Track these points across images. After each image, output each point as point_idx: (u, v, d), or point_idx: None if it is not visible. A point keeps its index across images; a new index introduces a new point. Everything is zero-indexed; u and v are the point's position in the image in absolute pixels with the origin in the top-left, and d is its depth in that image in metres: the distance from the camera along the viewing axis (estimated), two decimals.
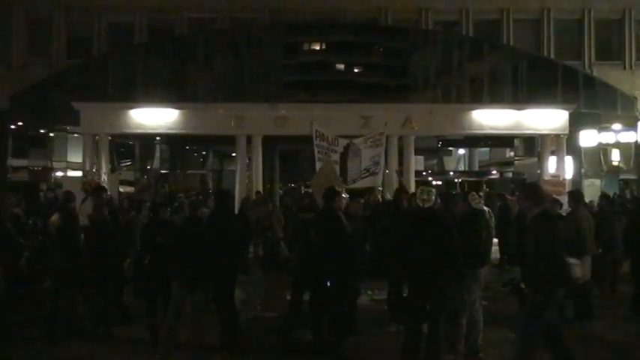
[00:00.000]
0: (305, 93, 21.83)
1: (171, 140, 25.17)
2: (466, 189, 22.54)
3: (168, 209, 8.39)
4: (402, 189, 10.81)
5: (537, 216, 5.60)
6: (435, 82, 23.17)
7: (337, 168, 16.19)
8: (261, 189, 19.34)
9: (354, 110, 19.92)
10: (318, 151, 17.39)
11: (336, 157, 17.32)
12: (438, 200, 7.46)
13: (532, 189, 5.94)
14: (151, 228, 8.33)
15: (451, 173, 27.88)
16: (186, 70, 22.29)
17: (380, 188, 18.09)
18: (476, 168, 28.62)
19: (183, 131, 20.14)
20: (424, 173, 26.66)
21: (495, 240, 13.43)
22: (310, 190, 14.04)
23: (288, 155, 26.46)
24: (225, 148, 26.07)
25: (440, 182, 27.23)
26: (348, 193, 10.22)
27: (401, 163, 20.13)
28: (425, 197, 6.80)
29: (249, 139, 19.91)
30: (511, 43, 26.30)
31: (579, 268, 6.16)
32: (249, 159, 20.33)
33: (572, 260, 5.80)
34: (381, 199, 16.01)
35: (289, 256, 11.16)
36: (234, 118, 19.59)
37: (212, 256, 7.37)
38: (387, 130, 17.87)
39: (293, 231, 11.95)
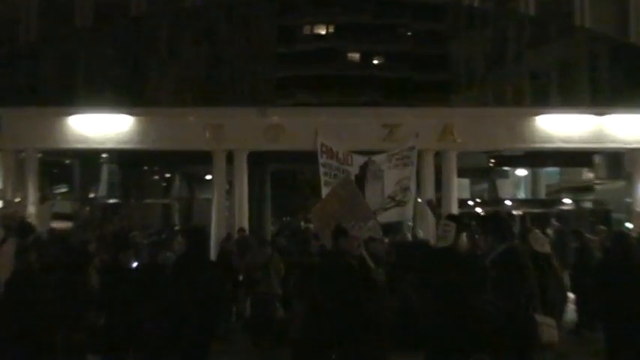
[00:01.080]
0: (306, 93, 22.00)
1: (123, 159, 25.25)
2: (528, 224, 22.38)
3: (131, 252, 8.42)
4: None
5: None
6: (485, 77, 23.28)
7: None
8: (246, 225, 19.31)
9: (374, 116, 19.96)
10: (325, 173, 17.39)
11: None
12: (460, 240, 7.36)
13: None
14: (105, 280, 8.32)
15: (508, 202, 27.77)
16: (144, 63, 22.45)
17: (410, 223, 18.09)
18: (542, 195, 28.50)
19: (139, 146, 20.19)
20: (470, 203, 26.56)
21: (571, 295, 13.25)
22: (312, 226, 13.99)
23: (284, 178, 26.50)
24: (198, 169, 26.07)
25: None
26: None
27: (438, 188, 20.11)
28: (440, 233, 6.89)
29: (230, 157, 19.95)
30: (587, 25, 26.38)
31: None
32: (230, 184, 20.33)
33: None
34: (411, 238, 15.99)
35: (285, 317, 11.07)
36: (210, 128, 19.64)
37: (179, 319, 7.36)
38: (419, 144, 17.87)
39: (294, 285, 11.89)
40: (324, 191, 16.72)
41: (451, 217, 7.67)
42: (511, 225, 6.18)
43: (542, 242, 7.73)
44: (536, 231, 7.96)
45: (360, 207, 11.07)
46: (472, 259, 6.97)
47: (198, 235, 8.26)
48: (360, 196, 12.19)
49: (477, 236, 13.98)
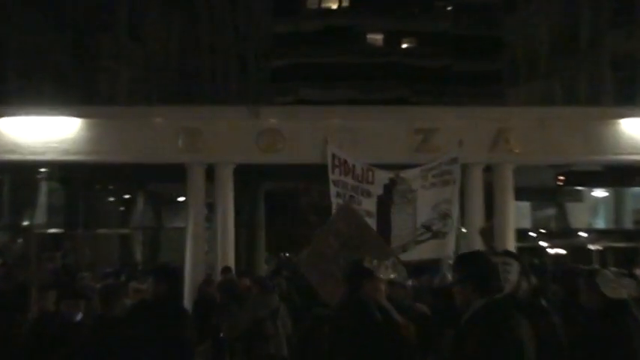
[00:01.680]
0: (312, 87, 22.09)
1: (68, 174, 25.33)
2: (608, 262, 22.28)
3: (78, 301, 8.49)
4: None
5: None
6: (551, 67, 23.33)
7: (372, 223, 16.31)
8: (232, 263, 19.35)
9: (403, 118, 20.01)
10: (338, 194, 17.39)
11: (369, 203, 17.34)
12: (525, 284, 7.37)
13: None
14: (41, 337, 8.39)
15: (582, 234, 27.69)
16: (96, 48, 22.59)
17: (451, 262, 18.04)
18: (628, 224, 28.42)
19: (89, 158, 20.28)
20: (533, 234, 26.49)
21: None
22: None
23: (282, 201, 26.51)
24: (167, 189, 26.11)
25: (562, 250, 27.02)
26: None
27: (490, 214, 20.17)
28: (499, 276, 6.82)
29: (210, 172, 20.01)
30: None
31: None
32: (211, 208, 20.42)
33: None
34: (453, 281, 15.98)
35: None
36: (184, 134, 19.72)
37: None
38: (463, 155, 17.97)
39: (296, 345, 11.91)
40: None
41: (510, 254, 7.67)
42: (496, 269, 6.11)
43: (614, 286, 7.72)
44: (606, 271, 7.99)
45: (370, 241, 11.03)
46: (540, 311, 6.97)
47: (169, 276, 8.31)
48: (367, 227, 12.18)
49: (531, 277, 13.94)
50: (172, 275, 8.43)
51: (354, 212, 12.96)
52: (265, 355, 12.75)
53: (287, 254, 31.82)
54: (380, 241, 11.89)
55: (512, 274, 6.88)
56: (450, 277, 16.21)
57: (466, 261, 6.25)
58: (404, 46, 21.92)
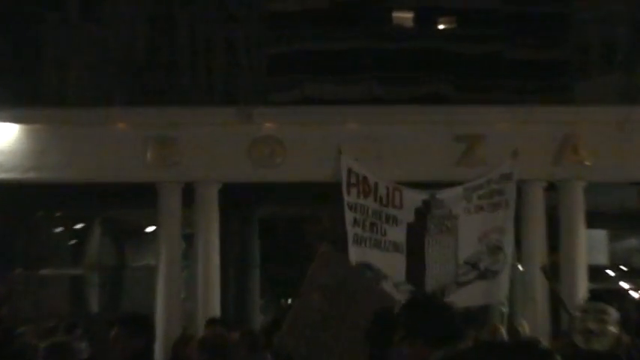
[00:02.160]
0: (321, 81, 21.96)
1: (2, 199, 25.28)
2: None
3: None
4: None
5: None
6: (634, 53, 23.26)
7: (401, 258, 16.19)
8: (217, 312, 19.27)
9: (440, 121, 20.04)
10: (355, 221, 17.45)
11: (396, 233, 17.32)
12: (623, 336, 7.35)
13: None
14: None
15: None
16: (39, 32, 22.59)
17: (505, 309, 18.02)
18: None
19: (31, 175, 20.27)
20: (611, 273, 26.45)
21: None
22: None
23: (282, 231, 26.52)
24: (133, 216, 26.09)
25: None
26: None
27: (554, 246, 20.12)
28: (592, 326, 6.97)
29: (188, 194, 20.10)
30: None
31: None
32: (189, 240, 20.47)
33: None
34: (507, 336, 15.89)
35: None
36: (155, 144, 19.75)
37: None
38: (518, 170, 18.16)
39: None
40: (354, 254, 16.67)
41: (603, 297, 7.59)
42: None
43: None
44: None
45: (369, 295, 10.84)
46: None
47: (137, 330, 8.20)
48: (356, 274, 12.07)
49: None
50: (150, 328, 8.37)
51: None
52: None
53: (289, 300, 31.67)
54: (381, 293, 11.73)
55: (610, 324, 6.84)
56: (503, 331, 16.14)
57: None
58: (440, 27, 21.86)
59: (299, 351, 10.35)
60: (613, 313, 7.06)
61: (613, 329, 7.03)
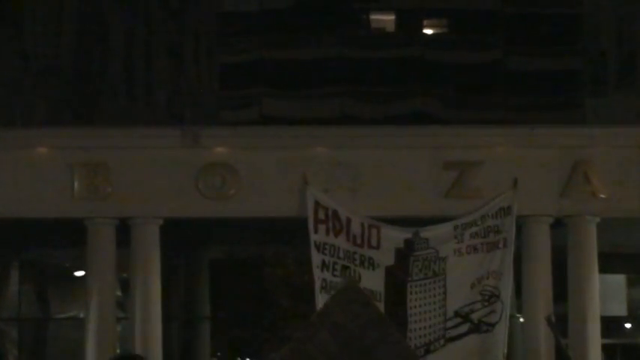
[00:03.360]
0: (283, 97, 21.97)
1: None
2: None
3: None
4: None
5: None
6: None
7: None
8: None
9: (426, 144, 20.25)
10: (324, 264, 17.54)
11: (373, 278, 17.33)
12: None
13: None
14: None
15: None
16: None
17: None
18: None
19: None
20: (628, 325, 26.57)
21: None
22: None
23: (237, 277, 26.55)
24: (57, 258, 26.04)
25: None
26: None
27: (562, 294, 20.10)
28: None
29: (123, 232, 20.12)
30: None
31: None
32: (126, 286, 20.54)
33: None
34: None
35: None
36: (82, 171, 19.77)
37: None
38: (519, 204, 18.42)
39: None
40: (322, 301, 16.67)
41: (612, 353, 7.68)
42: None
43: None
44: None
45: (389, 346, 10.91)
46: None
47: None
48: (388, 326, 12.09)
49: None
50: None
51: (362, 297, 12.86)
52: None
53: None
54: (402, 345, 11.80)
55: None
56: None
57: None
58: (426, 31, 21.85)
59: None
60: None
61: None
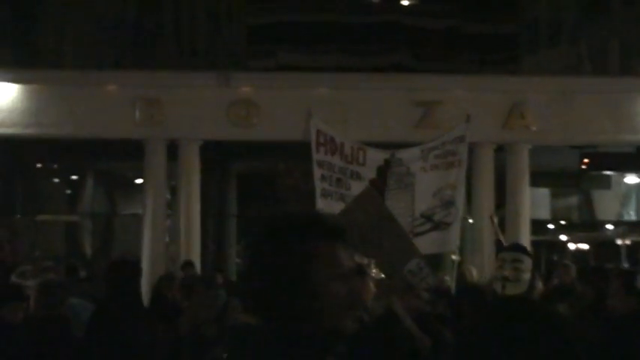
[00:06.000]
0: (294, 51, 21.91)
1: (3, 151, 25.19)
2: (638, 258, 22.35)
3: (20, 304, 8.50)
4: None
5: None
6: (577, 30, 23.33)
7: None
8: (197, 256, 19.37)
9: (401, 87, 20.12)
10: (323, 176, 17.47)
11: (359, 188, 17.14)
12: (539, 284, 7.36)
13: None
14: None
15: (609, 226, 27.78)
16: (36, 1, 22.49)
17: (455, 257, 18.09)
18: None
19: (29, 131, 20.24)
20: (551, 226, 26.59)
21: None
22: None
23: (258, 184, 26.50)
24: (121, 169, 26.06)
25: (585, 244, 27.12)
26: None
27: (501, 202, 20.29)
28: (507, 274, 7.10)
29: (172, 149, 20.13)
30: None
31: None
32: (173, 192, 20.51)
33: None
34: (455, 283, 16.00)
35: None
36: (141, 104, 19.73)
37: None
38: (471, 133, 18.14)
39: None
40: (321, 205, 16.73)
41: (522, 249, 7.63)
42: None
43: None
44: None
45: (395, 240, 10.90)
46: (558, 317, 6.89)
47: (129, 273, 8.26)
48: (395, 223, 12.10)
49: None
50: (137, 270, 8.43)
51: (377, 200, 12.85)
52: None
53: None
54: (406, 239, 11.82)
55: (524, 272, 6.89)
56: (448, 280, 16.19)
57: None
58: (404, 3, 21.79)
59: None
60: (527, 261, 7.09)
61: (526, 276, 7.04)
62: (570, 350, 6.04)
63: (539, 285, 7.88)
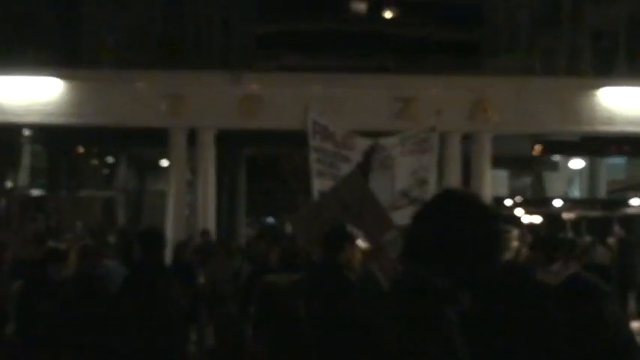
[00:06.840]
0: (295, 54, 21.95)
1: (51, 137, 25.21)
2: (583, 232, 22.41)
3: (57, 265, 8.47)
4: None
5: None
6: (531, 36, 23.31)
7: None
8: (213, 226, 19.38)
9: (384, 86, 20.10)
10: (318, 160, 17.42)
11: (348, 169, 17.29)
12: (523, 249, 7.31)
13: None
14: (27, 297, 8.40)
15: (557, 203, 27.86)
16: (80, 9, 22.40)
17: None
18: (602, 194, 28.58)
19: (72, 120, 20.22)
20: (509, 203, 26.67)
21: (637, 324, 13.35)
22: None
23: (264, 166, 26.54)
24: (150, 153, 26.07)
25: (537, 219, 27.18)
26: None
27: (467, 182, 20.26)
28: None
29: (192, 136, 20.06)
30: None
31: None
32: (193, 172, 20.51)
33: None
34: None
35: (257, 347, 11.13)
36: (167, 99, 19.69)
37: (128, 350, 7.46)
38: (441, 124, 17.95)
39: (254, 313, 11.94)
40: (317, 184, 16.73)
41: (508, 220, 7.67)
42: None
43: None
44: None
45: (373, 213, 10.88)
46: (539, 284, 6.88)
47: (156, 241, 8.23)
48: (374, 199, 12.07)
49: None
50: (158, 241, 8.39)
51: (362, 182, 12.82)
52: (225, 316, 12.82)
53: (269, 218, 31.89)
54: (383, 214, 11.83)
55: (512, 240, 6.95)
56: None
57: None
58: (387, 16, 21.85)
59: (314, 244, 10.18)
60: (514, 231, 7.18)
61: (514, 244, 7.11)
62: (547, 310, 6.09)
63: (526, 251, 7.87)
